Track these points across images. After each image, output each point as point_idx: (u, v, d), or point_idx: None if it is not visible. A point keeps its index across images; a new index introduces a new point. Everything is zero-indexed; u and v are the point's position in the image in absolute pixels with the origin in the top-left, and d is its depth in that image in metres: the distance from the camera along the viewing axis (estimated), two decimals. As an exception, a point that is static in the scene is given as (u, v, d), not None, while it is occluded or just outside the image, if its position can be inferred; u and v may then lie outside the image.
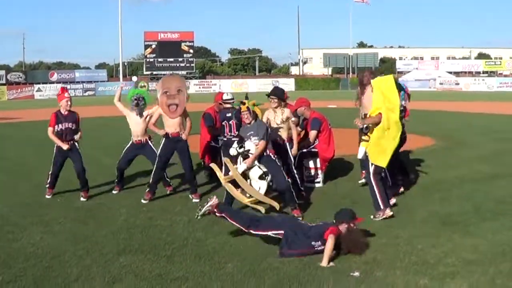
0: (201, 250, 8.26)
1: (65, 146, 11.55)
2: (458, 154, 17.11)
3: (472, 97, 57.23)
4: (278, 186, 10.23)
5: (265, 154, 10.21)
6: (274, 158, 10.29)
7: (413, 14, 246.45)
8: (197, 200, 11.30)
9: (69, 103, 11.66)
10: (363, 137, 10.24)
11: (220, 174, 10.34)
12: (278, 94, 11.47)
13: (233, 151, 10.32)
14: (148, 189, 11.51)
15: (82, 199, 11.72)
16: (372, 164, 9.96)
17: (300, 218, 9.73)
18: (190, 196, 11.58)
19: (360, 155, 10.35)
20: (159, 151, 11.50)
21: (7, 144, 22.12)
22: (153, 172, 11.54)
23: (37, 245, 8.56)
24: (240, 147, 10.17)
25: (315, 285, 6.91)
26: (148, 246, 8.46)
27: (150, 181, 11.55)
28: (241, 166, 10.12)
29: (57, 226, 9.70)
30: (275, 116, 11.41)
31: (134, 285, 6.98)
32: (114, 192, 12.19)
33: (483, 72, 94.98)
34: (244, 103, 10.35)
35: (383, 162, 9.95)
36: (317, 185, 12.51)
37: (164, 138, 11.42)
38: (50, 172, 11.97)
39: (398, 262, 7.64)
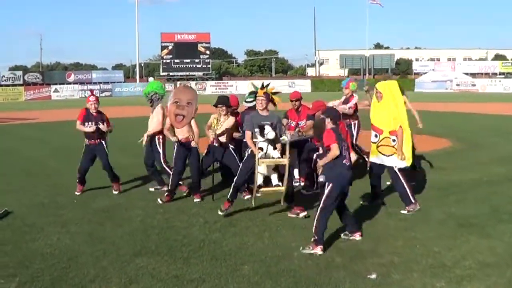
0: (217, 251, 8.27)
1: (89, 129, 12.09)
2: (474, 156, 17.04)
3: (489, 99, 56.93)
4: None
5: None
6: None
7: (430, 15, 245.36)
8: (198, 200, 11.54)
9: (94, 106, 12.20)
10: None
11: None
12: (225, 102, 11.62)
13: (271, 134, 10.09)
14: (166, 193, 11.66)
15: (114, 192, 12.20)
16: (396, 166, 10.50)
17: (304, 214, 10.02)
18: (192, 196, 11.76)
19: (402, 164, 10.51)
20: (173, 156, 11.76)
21: (25, 145, 22.28)
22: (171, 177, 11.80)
23: (54, 246, 8.61)
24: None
25: (331, 287, 6.91)
26: (164, 248, 8.48)
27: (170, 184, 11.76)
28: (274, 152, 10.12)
29: (74, 227, 9.75)
30: (219, 123, 11.57)
31: (151, 286, 7.00)
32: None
33: (500, 74, 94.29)
34: (262, 88, 10.34)
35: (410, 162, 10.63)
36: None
37: (176, 144, 11.64)
38: (78, 168, 12.30)
39: (415, 264, 7.62)
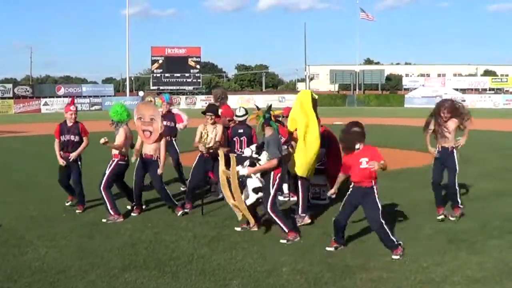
0: (206, 266, 8.26)
1: (61, 161, 11.89)
2: (464, 171, 16.97)
3: (478, 114, 56.96)
4: (264, 208, 10.06)
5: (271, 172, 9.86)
6: (271, 180, 9.86)
7: (420, 31, 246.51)
8: (180, 213, 11.51)
9: (73, 116, 11.90)
10: None
11: (222, 164, 10.38)
12: (214, 111, 11.80)
13: (248, 151, 10.14)
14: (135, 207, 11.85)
15: (77, 211, 11.85)
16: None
17: (291, 240, 9.60)
18: (174, 212, 11.66)
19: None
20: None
21: (15, 158, 22.27)
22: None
23: (43, 260, 8.57)
24: (256, 153, 10.02)
25: (320, 302, 6.91)
26: (153, 262, 8.45)
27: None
28: (243, 170, 10.02)
29: (63, 240, 9.71)
30: (207, 132, 11.71)
31: (139, 300, 6.98)
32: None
33: (490, 89, 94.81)
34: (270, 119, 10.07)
35: (306, 173, 10.84)
36: (323, 202, 12.42)
37: (138, 159, 11.69)
38: (58, 179, 12.25)
39: (404, 280, 7.61)
